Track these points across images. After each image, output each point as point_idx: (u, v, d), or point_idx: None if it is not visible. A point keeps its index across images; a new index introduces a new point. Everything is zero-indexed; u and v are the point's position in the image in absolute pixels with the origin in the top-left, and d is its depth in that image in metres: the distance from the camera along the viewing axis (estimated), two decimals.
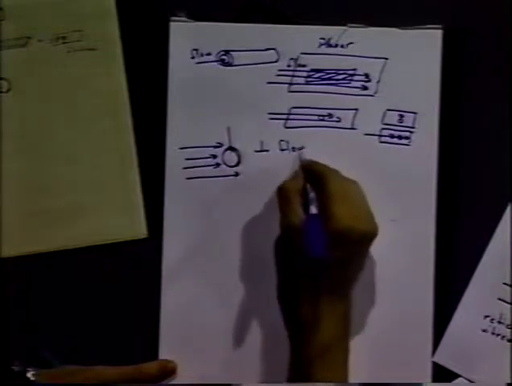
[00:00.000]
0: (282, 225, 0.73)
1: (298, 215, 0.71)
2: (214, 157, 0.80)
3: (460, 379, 0.78)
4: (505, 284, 0.78)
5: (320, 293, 0.71)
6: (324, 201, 0.70)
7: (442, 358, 0.78)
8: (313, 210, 0.72)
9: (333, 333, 0.71)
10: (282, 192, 0.73)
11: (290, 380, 0.73)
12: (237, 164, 0.80)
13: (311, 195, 0.73)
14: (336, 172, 0.73)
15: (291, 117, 0.80)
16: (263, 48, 0.80)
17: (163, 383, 0.79)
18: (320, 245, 0.68)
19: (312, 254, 0.68)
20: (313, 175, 0.73)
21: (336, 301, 0.72)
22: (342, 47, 0.79)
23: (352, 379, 0.74)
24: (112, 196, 0.80)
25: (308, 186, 0.73)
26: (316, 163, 0.75)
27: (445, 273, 0.78)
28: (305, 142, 0.80)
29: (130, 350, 0.80)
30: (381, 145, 0.79)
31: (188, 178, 0.80)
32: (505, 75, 0.79)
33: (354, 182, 0.73)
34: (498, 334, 0.78)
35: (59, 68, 0.80)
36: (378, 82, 0.79)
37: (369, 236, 0.71)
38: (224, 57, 0.80)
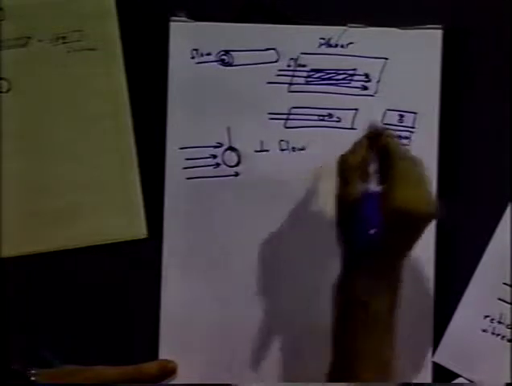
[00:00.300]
0: (339, 198, 0.71)
1: (356, 189, 0.69)
2: (214, 157, 0.80)
3: (460, 379, 0.78)
4: (505, 284, 0.78)
5: (375, 270, 0.69)
6: (387, 179, 0.69)
7: (442, 358, 0.78)
8: (373, 186, 0.70)
9: (384, 309, 0.69)
10: (342, 164, 0.71)
11: (335, 357, 0.71)
12: (237, 164, 0.80)
13: (374, 169, 0.70)
14: (404, 149, 0.71)
15: (291, 117, 0.80)
16: (263, 48, 0.80)
17: (163, 383, 0.79)
18: (376, 225, 0.67)
19: (367, 233, 0.67)
20: (379, 147, 0.71)
21: (388, 279, 0.70)
22: (342, 47, 0.79)
23: None
24: (112, 196, 0.80)
25: (373, 157, 0.71)
26: (386, 136, 0.72)
27: (445, 273, 0.78)
28: (305, 142, 0.80)
29: (130, 350, 0.80)
30: None
31: (188, 178, 0.80)
32: (505, 75, 0.79)
33: (419, 161, 0.70)
34: (498, 334, 0.78)
35: (59, 68, 0.80)
36: (378, 82, 0.79)
37: (429, 217, 0.69)
38: (224, 57, 0.80)
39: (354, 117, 0.80)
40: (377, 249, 0.69)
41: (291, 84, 0.80)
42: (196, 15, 0.80)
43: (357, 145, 0.72)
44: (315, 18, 0.79)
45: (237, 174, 0.80)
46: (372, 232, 0.67)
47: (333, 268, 0.79)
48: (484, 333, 0.78)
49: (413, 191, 0.68)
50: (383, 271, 0.70)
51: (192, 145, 0.80)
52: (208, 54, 0.80)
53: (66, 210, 0.80)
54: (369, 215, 0.67)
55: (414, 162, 0.70)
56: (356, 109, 0.80)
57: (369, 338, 0.69)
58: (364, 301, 0.69)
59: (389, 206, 0.67)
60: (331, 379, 0.72)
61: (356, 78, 0.80)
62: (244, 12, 0.80)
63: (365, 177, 0.70)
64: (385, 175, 0.69)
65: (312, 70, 0.80)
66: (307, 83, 0.80)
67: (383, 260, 0.69)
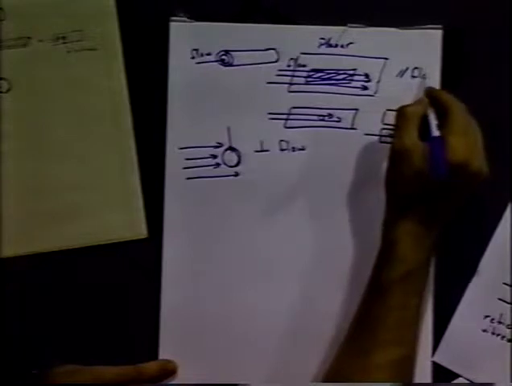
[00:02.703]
0: (395, 146, 0.73)
1: (412, 139, 0.72)
2: (214, 157, 0.80)
3: (460, 379, 0.78)
4: (505, 284, 0.78)
5: (419, 218, 0.72)
6: (444, 131, 0.71)
7: (442, 358, 0.78)
8: (436, 132, 0.71)
9: (418, 259, 0.72)
10: (401, 115, 0.74)
11: (365, 305, 0.74)
12: (237, 164, 0.80)
13: (435, 121, 0.72)
14: (460, 105, 0.73)
15: (291, 117, 0.80)
16: (263, 48, 0.80)
17: (163, 383, 0.79)
18: (443, 166, 0.69)
19: (435, 175, 0.69)
20: (438, 104, 0.74)
21: (430, 229, 0.72)
22: (342, 47, 0.79)
23: None
24: (112, 196, 0.80)
25: (434, 111, 0.73)
26: (443, 93, 0.75)
27: (445, 273, 0.78)
28: (305, 142, 0.80)
29: (130, 350, 0.80)
30: (381, 145, 0.79)
31: (188, 178, 0.80)
32: (505, 75, 0.79)
33: (475, 122, 0.73)
34: (498, 334, 0.78)
35: (59, 68, 0.80)
36: (378, 82, 0.79)
37: (481, 175, 0.71)
38: (224, 57, 0.80)
39: (354, 117, 0.80)
40: (427, 197, 0.71)
41: (291, 84, 0.80)
42: (196, 15, 0.80)
43: (418, 100, 0.75)
44: (315, 18, 0.79)
45: (237, 174, 0.80)
46: (440, 175, 0.69)
47: (334, 265, 0.80)
48: (484, 333, 0.78)
49: (467, 145, 0.70)
50: (426, 220, 0.71)
51: (192, 145, 0.80)
52: (208, 54, 0.80)
53: (66, 210, 0.80)
54: (436, 160, 0.69)
55: (470, 120, 0.72)
56: (356, 109, 0.80)
57: (396, 297, 0.71)
58: (399, 244, 0.71)
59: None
60: (330, 375, 0.73)
61: (356, 78, 0.80)
62: (244, 12, 0.80)
63: (424, 130, 0.72)
64: (442, 130, 0.71)
65: (312, 70, 0.80)
66: (307, 83, 0.80)
67: (430, 210, 0.72)
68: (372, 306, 0.72)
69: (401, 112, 0.74)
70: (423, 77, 0.79)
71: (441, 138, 0.70)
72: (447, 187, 0.71)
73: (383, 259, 0.73)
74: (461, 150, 0.70)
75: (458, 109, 0.72)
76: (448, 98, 0.74)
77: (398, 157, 0.72)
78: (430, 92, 0.76)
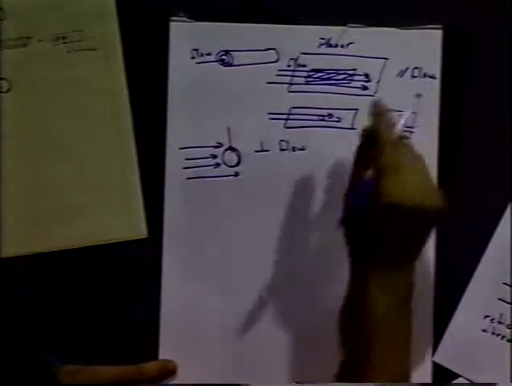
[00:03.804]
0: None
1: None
2: (214, 157, 0.80)
3: (460, 379, 0.78)
4: (505, 284, 0.78)
5: (385, 261, 0.68)
6: (377, 173, 0.67)
7: (442, 358, 0.79)
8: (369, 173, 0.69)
9: (389, 303, 0.68)
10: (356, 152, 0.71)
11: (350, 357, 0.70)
12: (237, 164, 0.80)
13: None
14: (394, 142, 0.68)
15: (291, 117, 0.80)
16: (263, 48, 0.80)
17: (163, 383, 0.79)
18: (359, 205, 0.67)
19: (350, 211, 0.68)
20: (374, 141, 0.69)
21: (399, 270, 0.68)
22: (342, 47, 0.79)
23: None
24: (112, 196, 0.80)
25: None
26: (379, 131, 0.69)
27: (445, 273, 0.78)
28: (305, 142, 0.80)
29: (130, 350, 0.80)
30: None
31: (188, 178, 0.80)
32: (505, 75, 0.79)
33: (415, 157, 0.68)
34: (498, 334, 0.78)
35: (59, 68, 0.80)
36: (378, 82, 0.79)
37: (425, 209, 0.66)
38: (224, 57, 0.80)
39: (354, 117, 0.80)
40: (379, 243, 0.67)
41: (291, 84, 0.80)
42: (196, 15, 0.80)
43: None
44: (315, 18, 0.79)
45: (237, 174, 0.80)
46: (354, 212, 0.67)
47: (333, 266, 0.80)
48: (484, 333, 0.78)
49: (398, 186, 0.66)
50: (394, 266, 0.68)
51: (192, 145, 0.80)
52: (208, 54, 0.80)
53: (66, 210, 0.80)
54: (356, 199, 0.67)
55: (404, 158, 0.67)
56: (356, 109, 0.80)
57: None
58: (373, 295, 0.67)
59: (379, 200, 0.66)
60: (339, 380, 0.72)
61: (356, 78, 0.80)
62: (244, 12, 0.80)
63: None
64: (376, 172, 0.68)
65: (312, 70, 0.80)
66: (307, 83, 0.80)
67: (388, 255, 0.68)
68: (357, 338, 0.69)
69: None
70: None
71: (372, 180, 0.67)
72: (398, 227, 0.67)
73: (355, 302, 0.69)
74: (392, 193, 0.65)
75: (389, 148, 0.67)
76: (382, 135, 0.69)
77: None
78: (367, 131, 0.71)
